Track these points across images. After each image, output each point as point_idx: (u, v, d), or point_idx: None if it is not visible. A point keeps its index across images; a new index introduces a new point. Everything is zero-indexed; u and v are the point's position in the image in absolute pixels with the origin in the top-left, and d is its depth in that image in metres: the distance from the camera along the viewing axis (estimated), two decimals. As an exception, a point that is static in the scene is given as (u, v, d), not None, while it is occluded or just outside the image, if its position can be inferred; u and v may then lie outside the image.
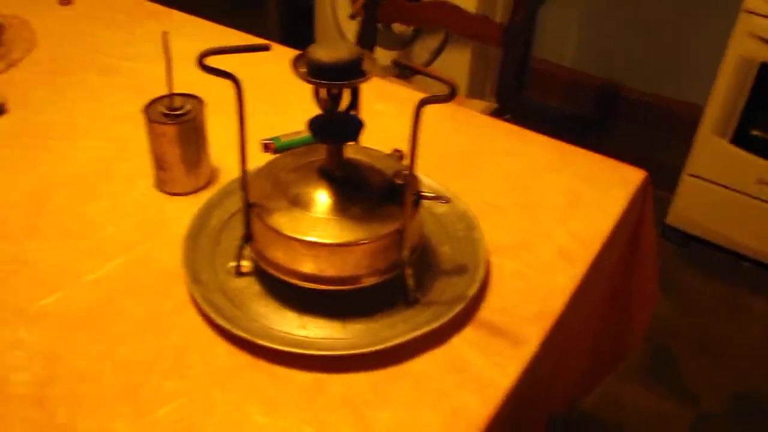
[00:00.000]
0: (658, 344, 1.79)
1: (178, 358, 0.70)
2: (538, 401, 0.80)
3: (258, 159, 0.90)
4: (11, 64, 1.19)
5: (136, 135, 1.00)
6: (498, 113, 1.68)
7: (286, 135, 0.99)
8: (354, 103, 0.71)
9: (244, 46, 0.66)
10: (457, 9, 1.68)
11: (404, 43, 2.43)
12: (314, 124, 0.72)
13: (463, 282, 0.77)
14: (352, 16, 0.75)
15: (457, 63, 2.47)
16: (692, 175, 1.99)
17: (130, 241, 0.84)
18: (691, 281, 1.99)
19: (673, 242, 2.08)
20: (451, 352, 0.71)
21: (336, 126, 0.72)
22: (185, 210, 0.86)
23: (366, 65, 0.68)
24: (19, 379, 0.67)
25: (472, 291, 0.75)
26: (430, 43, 2.41)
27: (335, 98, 0.70)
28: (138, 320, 0.74)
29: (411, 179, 0.69)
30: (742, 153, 1.89)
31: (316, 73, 0.66)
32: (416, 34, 2.43)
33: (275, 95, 1.09)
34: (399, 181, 0.74)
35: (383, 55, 2.16)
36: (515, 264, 0.82)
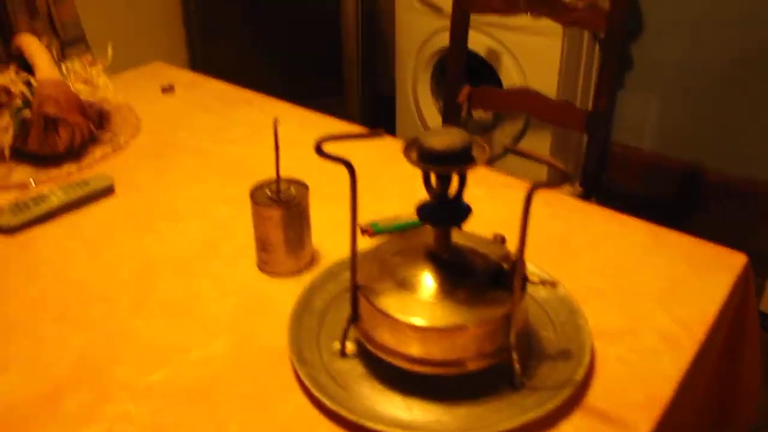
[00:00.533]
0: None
1: (286, 438, 0.70)
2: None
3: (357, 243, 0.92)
4: (117, 148, 1.26)
5: (236, 216, 1.04)
6: (584, 197, 1.67)
7: (383, 220, 1.01)
8: (462, 188, 0.72)
9: (358, 133, 0.68)
10: (541, 96, 1.71)
11: (485, 129, 2.47)
12: (423, 208, 0.74)
13: (568, 367, 0.76)
14: (459, 105, 0.79)
15: (537, 148, 2.49)
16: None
17: (234, 319, 0.86)
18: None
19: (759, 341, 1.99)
20: (562, 440, 0.70)
21: (445, 211, 0.74)
22: (287, 291, 0.89)
23: (475, 151, 0.70)
24: (133, 455, 0.68)
25: (579, 376, 0.74)
26: (510, 129, 2.44)
27: (445, 183, 0.72)
28: (244, 398, 0.75)
29: (520, 264, 0.69)
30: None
31: (428, 159, 0.68)
32: (497, 120, 2.47)
33: (370, 181, 1.12)
34: (506, 266, 0.74)
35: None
36: (619, 349, 0.81)
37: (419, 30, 2.53)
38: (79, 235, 1.03)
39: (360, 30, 2.55)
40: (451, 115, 1.85)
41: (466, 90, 0.85)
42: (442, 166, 0.68)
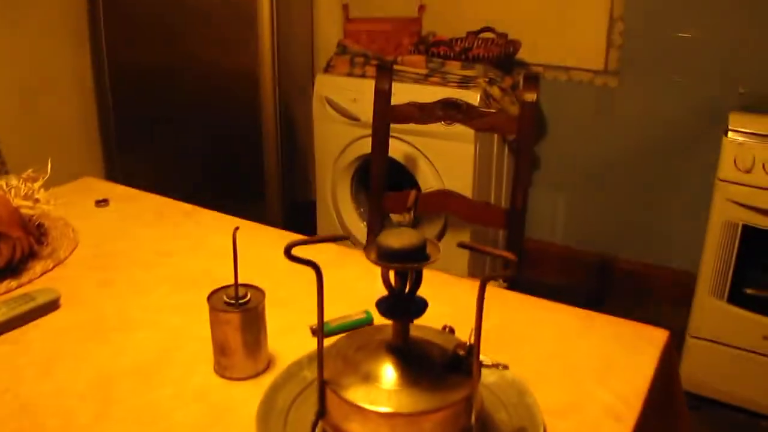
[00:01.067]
0: None
1: None
2: None
3: (308, 343, 0.97)
4: (58, 263, 1.26)
5: (189, 324, 1.07)
6: (509, 289, 1.77)
7: (331, 321, 1.06)
8: (419, 284, 0.79)
9: (326, 236, 0.74)
10: (462, 197, 1.83)
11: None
12: (383, 304, 0.80)
13: (525, 446, 0.81)
14: (408, 210, 0.86)
15: (457, 249, 2.60)
16: (696, 337, 2.07)
17: (199, 425, 0.87)
18: (709, 445, 2.01)
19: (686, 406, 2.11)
20: None
21: (403, 306, 0.79)
22: (248, 393, 0.91)
23: (429, 250, 0.77)
24: None
25: (536, 453, 0.80)
26: (430, 230, 2.55)
27: (403, 280, 0.78)
28: (219, 502, 0.76)
29: (476, 348, 0.76)
30: (741, 312, 1.99)
31: (386, 257, 0.75)
32: (416, 223, 2.58)
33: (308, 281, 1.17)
34: (461, 353, 0.80)
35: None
36: (568, 424, 0.87)
37: (337, 139, 2.65)
38: (25, 351, 1.02)
39: (279, 139, 2.64)
40: (376, 220, 1.94)
41: (413, 195, 0.93)
42: (401, 263, 0.75)
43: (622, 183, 2.74)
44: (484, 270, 2.66)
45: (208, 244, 1.36)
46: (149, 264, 1.28)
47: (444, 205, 1.90)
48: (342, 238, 0.76)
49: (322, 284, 0.76)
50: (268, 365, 0.98)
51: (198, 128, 2.76)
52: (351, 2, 2.90)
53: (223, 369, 0.96)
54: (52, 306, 1.12)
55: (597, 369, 0.98)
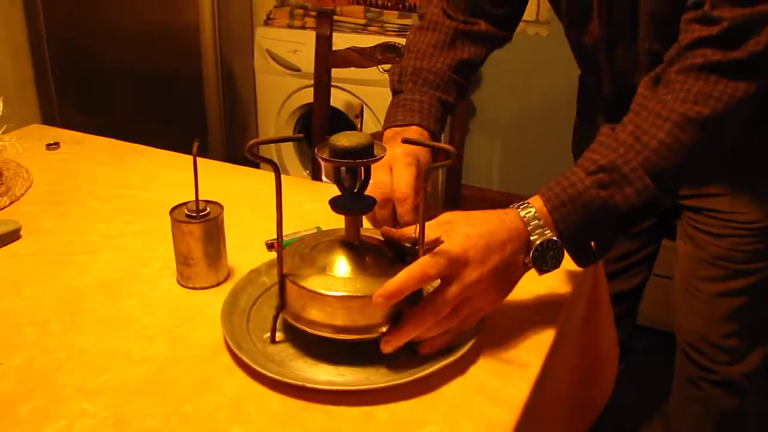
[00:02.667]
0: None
1: (237, 408, 0.79)
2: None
3: (264, 257, 1.04)
4: (14, 200, 1.29)
5: (150, 246, 1.13)
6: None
7: (286, 235, 1.13)
8: (367, 181, 0.87)
9: (284, 137, 0.81)
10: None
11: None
12: (336, 201, 0.87)
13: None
14: (356, 117, 0.92)
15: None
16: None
17: (168, 326, 0.94)
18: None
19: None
20: (473, 378, 0.84)
21: (354, 201, 0.87)
22: (212, 299, 0.98)
23: (376, 150, 0.85)
24: (101, 437, 0.75)
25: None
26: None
27: (354, 178, 0.86)
28: (191, 384, 0.83)
29: (421, 234, 0.84)
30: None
31: (337, 155, 0.82)
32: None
33: (271, 207, 1.24)
34: (407, 244, 0.89)
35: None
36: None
37: (279, 91, 2.69)
38: (-6, 275, 1.06)
39: (221, 92, 2.67)
40: (319, 169, 2.01)
41: (359, 105, 1.00)
42: (349, 159, 0.82)
43: (556, 129, 2.87)
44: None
45: (163, 178, 1.40)
46: (107, 197, 1.32)
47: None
48: (298, 138, 0.83)
49: (281, 182, 0.83)
50: (228, 276, 1.05)
51: (140, 82, 2.76)
52: (288, -45, 2.93)
53: (185, 279, 1.03)
54: (13, 236, 1.15)
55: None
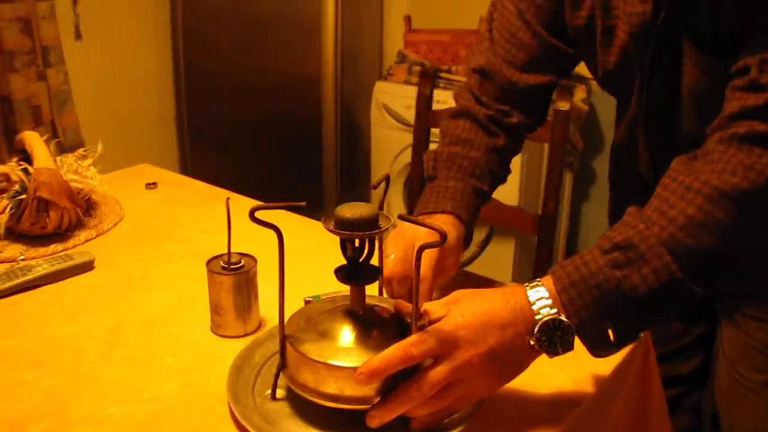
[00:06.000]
0: None
1: (216, 460, 0.83)
2: None
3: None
4: (101, 233, 1.42)
5: (200, 291, 1.19)
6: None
7: (326, 294, 1.16)
8: (372, 252, 0.88)
9: (285, 204, 0.85)
10: (497, 202, 1.90)
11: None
12: (340, 270, 0.90)
13: (464, 410, 0.89)
14: (373, 188, 0.95)
15: (502, 254, 2.67)
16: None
17: (185, 369, 1.00)
18: None
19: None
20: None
21: (358, 272, 0.89)
22: (235, 348, 1.02)
23: (381, 221, 0.86)
24: (85, 467, 0.81)
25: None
26: (477, 236, 2.63)
27: (359, 249, 0.88)
28: (186, 429, 0.87)
29: (416, 312, 0.84)
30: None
31: (340, 226, 0.85)
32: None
33: (317, 262, 1.28)
34: (408, 319, 0.89)
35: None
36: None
37: (392, 144, 2.77)
38: (59, 301, 1.18)
39: (338, 143, 2.78)
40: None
41: (383, 176, 1.03)
42: (352, 231, 0.84)
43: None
44: (530, 274, 2.70)
45: (237, 225, 1.49)
46: (181, 239, 1.42)
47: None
48: (300, 204, 0.87)
49: (283, 245, 0.87)
50: (259, 326, 1.10)
51: (263, 129, 2.94)
52: (415, 14, 3.02)
53: (216, 327, 1.08)
54: (87, 266, 1.27)
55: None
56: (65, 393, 0.94)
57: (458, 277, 1.12)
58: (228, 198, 1.03)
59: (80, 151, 1.42)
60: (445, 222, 1.09)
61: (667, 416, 1.14)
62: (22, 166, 1.33)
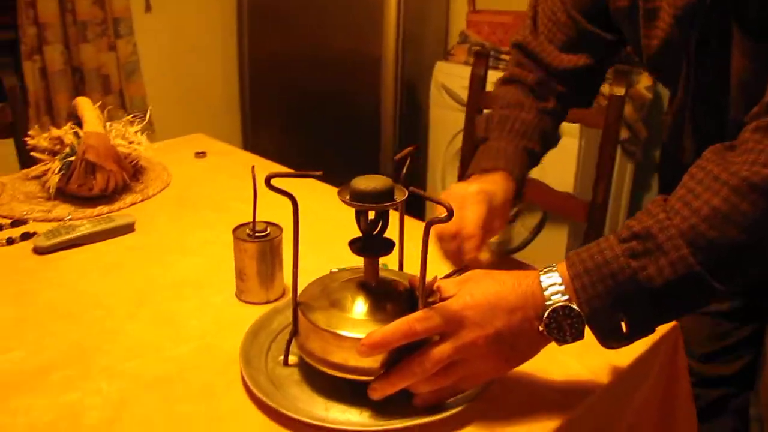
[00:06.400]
0: None
1: (220, 420, 0.85)
2: None
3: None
4: (146, 198, 1.47)
5: (231, 257, 1.21)
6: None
7: (350, 267, 1.17)
8: (385, 224, 0.88)
9: (300, 173, 0.86)
10: (543, 185, 1.87)
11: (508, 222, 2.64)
12: (354, 242, 0.90)
13: (471, 389, 0.88)
14: (395, 160, 0.94)
15: (555, 242, 2.63)
16: None
17: (205, 331, 1.02)
18: None
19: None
20: (447, 441, 0.82)
21: (372, 244, 0.89)
22: (256, 315, 1.04)
23: (396, 194, 0.86)
24: (93, 415, 0.84)
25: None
26: (530, 221, 2.59)
27: (373, 221, 0.88)
28: (196, 390, 0.90)
29: (422, 288, 0.84)
30: None
31: (356, 198, 0.85)
32: (517, 215, 2.63)
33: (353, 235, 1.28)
34: (418, 293, 0.89)
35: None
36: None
37: (450, 125, 2.74)
38: (97, 260, 1.22)
39: (397, 122, 2.78)
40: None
41: (407, 150, 1.02)
42: (365, 203, 0.84)
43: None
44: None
45: (274, 195, 1.51)
46: (220, 207, 1.45)
47: (534, 196, 1.94)
48: (316, 174, 0.88)
49: (298, 213, 0.88)
50: (282, 295, 1.11)
51: (322, 106, 2.96)
52: (481, -5, 2.98)
53: (240, 293, 1.11)
54: (127, 229, 1.32)
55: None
56: (89, 345, 0.98)
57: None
58: (253, 166, 1.05)
59: (128, 117, 1.46)
60: (496, 180, 1.11)
61: (693, 408, 1.10)
62: (74, 130, 1.39)
